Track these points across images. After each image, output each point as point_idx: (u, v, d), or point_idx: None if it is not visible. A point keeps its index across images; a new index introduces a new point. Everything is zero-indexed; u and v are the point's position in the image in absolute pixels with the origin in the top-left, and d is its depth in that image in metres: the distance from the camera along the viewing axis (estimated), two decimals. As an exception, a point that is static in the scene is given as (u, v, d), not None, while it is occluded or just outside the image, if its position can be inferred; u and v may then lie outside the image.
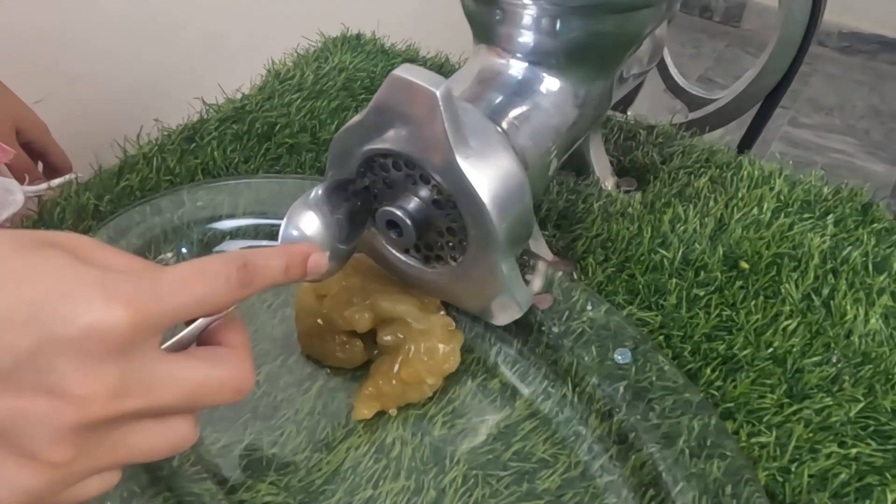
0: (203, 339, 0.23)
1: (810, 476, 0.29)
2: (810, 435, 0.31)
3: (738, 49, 1.93)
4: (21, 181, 0.54)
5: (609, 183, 0.44)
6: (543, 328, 0.34)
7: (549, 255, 0.39)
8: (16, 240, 0.19)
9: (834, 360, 0.34)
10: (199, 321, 0.22)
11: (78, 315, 0.18)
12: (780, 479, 0.29)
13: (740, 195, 0.42)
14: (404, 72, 0.27)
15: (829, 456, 0.30)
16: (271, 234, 0.40)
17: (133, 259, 0.21)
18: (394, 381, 0.32)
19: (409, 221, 0.30)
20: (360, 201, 0.31)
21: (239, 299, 0.22)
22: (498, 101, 0.33)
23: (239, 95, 0.52)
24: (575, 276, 0.38)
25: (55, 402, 0.17)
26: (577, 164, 0.44)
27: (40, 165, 0.58)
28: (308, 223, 0.28)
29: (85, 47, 0.70)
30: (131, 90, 0.73)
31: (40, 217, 0.41)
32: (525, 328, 0.35)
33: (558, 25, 0.33)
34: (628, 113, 0.53)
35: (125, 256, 0.21)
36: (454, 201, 0.30)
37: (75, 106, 0.59)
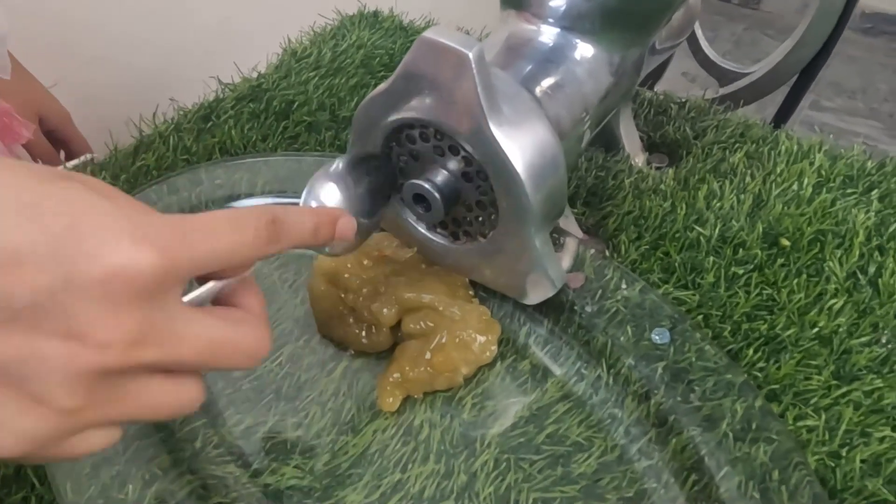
0: (218, 301, 0.22)
1: (862, 461, 0.28)
2: (861, 418, 0.29)
3: (758, 32, 1.88)
4: None
5: (639, 159, 0.43)
6: (576, 307, 0.33)
7: (579, 233, 0.37)
8: (32, 170, 0.17)
9: (884, 341, 0.32)
10: (215, 283, 0.21)
11: (104, 254, 0.16)
12: (831, 464, 0.28)
13: (778, 170, 0.40)
14: (434, 34, 0.25)
15: (881, 440, 0.28)
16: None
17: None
18: (423, 368, 0.31)
19: (437, 195, 0.29)
20: (383, 175, 0.30)
21: (265, 255, 0.21)
22: (529, 68, 0.31)
23: (255, 74, 0.51)
24: (607, 255, 0.37)
25: (71, 346, 0.16)
26: (605, 140, 0.43)
27: (62, 154, 0.57)
28: (329, 195, 0.27)
29: (99, 30, 0.69)
30: (146, 71, 0.72)
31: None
32: (556, 307, 0.33)
33: (592, -12, 0.31)
34: (656, 88, 0.51)
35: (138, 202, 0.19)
36: (485, 173, 0.28)
37: (90, 88, 0.58)
